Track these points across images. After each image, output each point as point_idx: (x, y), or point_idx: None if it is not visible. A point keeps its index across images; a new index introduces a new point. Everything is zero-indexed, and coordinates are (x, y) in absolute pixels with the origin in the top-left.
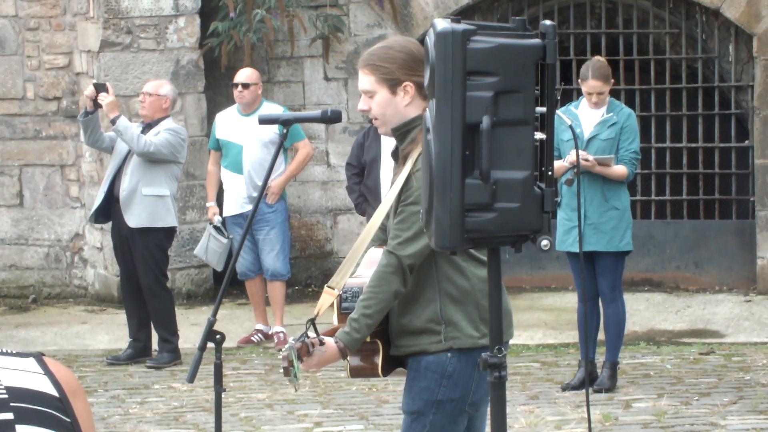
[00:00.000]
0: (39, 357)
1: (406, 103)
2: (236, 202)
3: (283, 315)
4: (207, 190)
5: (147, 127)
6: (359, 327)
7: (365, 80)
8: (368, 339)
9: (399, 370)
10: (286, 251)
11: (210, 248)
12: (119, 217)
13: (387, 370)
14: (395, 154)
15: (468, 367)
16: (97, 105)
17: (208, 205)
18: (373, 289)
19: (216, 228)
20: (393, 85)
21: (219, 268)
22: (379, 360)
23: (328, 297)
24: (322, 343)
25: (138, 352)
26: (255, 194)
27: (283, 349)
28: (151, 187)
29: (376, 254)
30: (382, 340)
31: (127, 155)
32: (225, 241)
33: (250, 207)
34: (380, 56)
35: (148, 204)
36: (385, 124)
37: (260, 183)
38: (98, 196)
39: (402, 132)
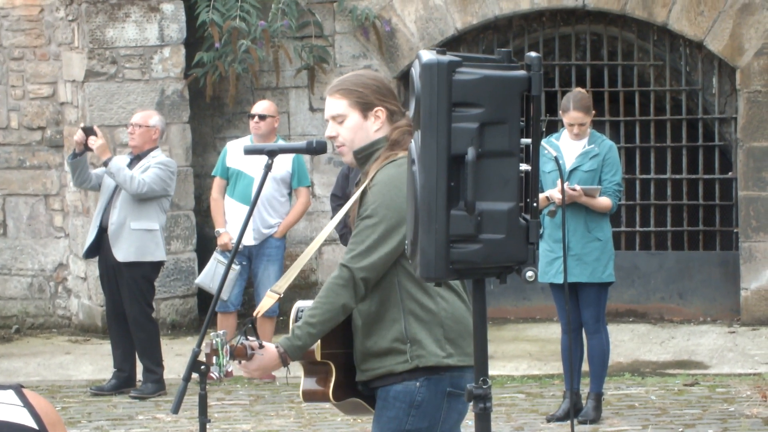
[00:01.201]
0: (18, 389)
1: (376, 128)
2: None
3: None
4: (214, 218)
5: (136, 158)
6: (301, 334)
7: (336, 104)
8: (319, 359)
9: (354, 401)
10: None
11: (218, 273)
12: (107, 249)
13: (340, 396)
14: (359, 184)
15: (437, 396)
16: (87, 148)
17: (220, 231)
18: (320, 300)
19: (223, 254)
20: (365, 109)
21: (225, 297)
22: (331, 384)
23: (269, 300)
24: (261, 347)
25: (122, 383)
26: (261, 228)
27: (211, 337)
28: (139, 221)
29: None
30: (335, 363)
31: (115, 189)
32: (237, 267)
33: (253, 240)
34: (353, 82)
35: (136, 238)
36: (351, 151)
37: (267, 216)
38: (90, 232)
39: (364, 155)
